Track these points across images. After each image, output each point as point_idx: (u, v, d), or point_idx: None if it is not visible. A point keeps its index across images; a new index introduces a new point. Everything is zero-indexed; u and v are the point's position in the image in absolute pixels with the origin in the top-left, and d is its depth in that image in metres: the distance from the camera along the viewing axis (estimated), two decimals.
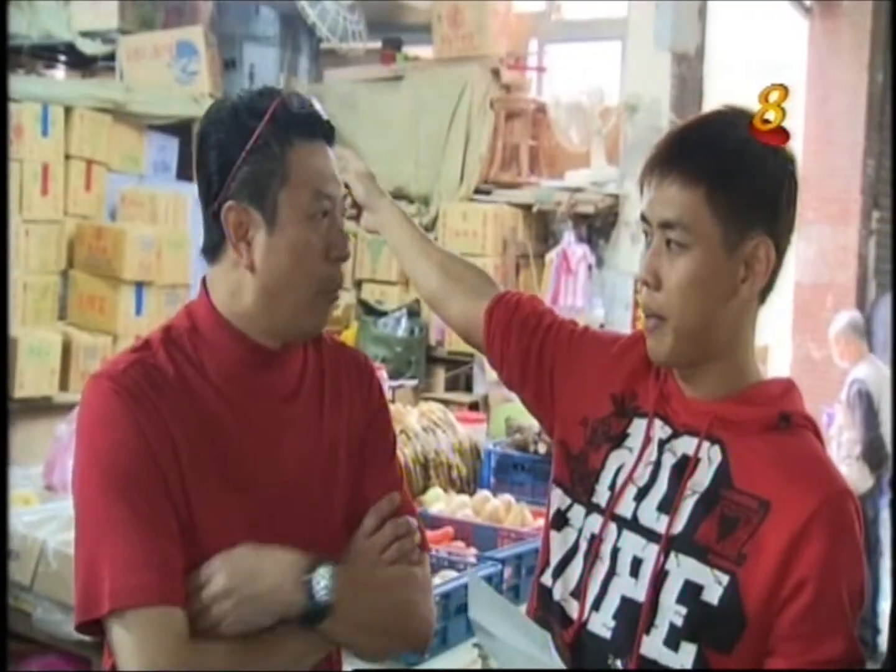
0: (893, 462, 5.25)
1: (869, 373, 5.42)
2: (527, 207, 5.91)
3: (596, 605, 1.31)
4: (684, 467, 1.30)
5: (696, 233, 1.25)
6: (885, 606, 5.30)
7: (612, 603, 1.30)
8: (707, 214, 1.25)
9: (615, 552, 1.32)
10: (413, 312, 5.92)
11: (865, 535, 4.77)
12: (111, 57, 5.99)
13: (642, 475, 1.33)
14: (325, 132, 1.33)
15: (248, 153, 1.27)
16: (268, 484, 1.32)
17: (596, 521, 1.35)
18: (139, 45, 5.93)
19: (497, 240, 5.79)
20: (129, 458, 1.23)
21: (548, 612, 1.35)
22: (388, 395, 3.98)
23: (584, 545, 1.35)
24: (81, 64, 6.27)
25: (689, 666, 1.23)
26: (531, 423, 3.38)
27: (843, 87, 6.45)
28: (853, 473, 5.38)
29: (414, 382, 5.49)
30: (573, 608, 1.33)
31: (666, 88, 5.58)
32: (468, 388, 5.86)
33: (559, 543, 1.38)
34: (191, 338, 1.32)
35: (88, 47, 5.96)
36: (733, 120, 1.29)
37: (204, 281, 1.37)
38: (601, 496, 1.35)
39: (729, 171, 1.25)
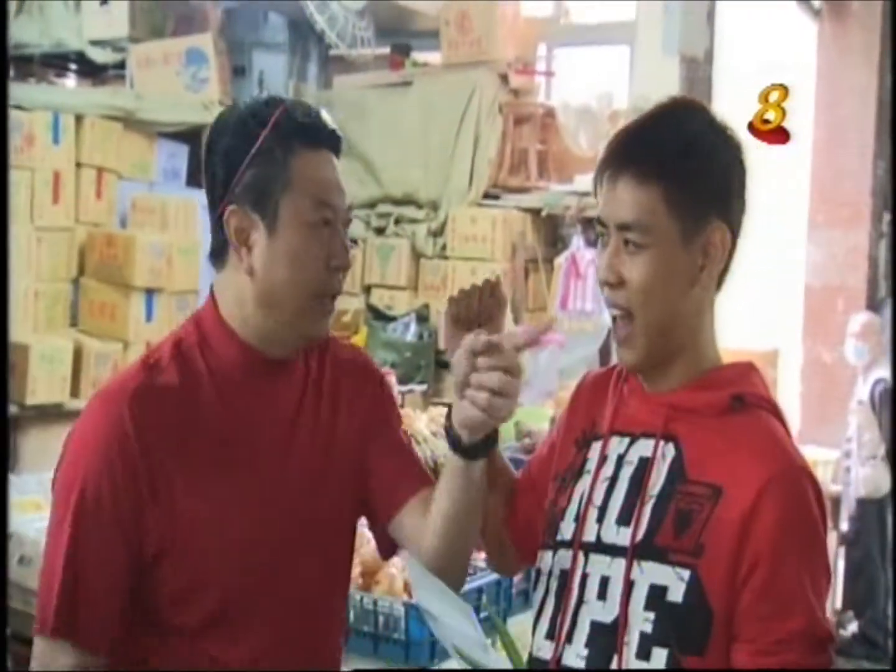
0: (893, 465, 5.23)
1: (891, 372, 5.39)
2: (536, 212, 5.91)
3: (569, 638, 1.28)
4: (641, 473, 1.28)
5: (654, 233, 1.26)
6: None
7: (582, 632, 1.28)
8: (664, 213, 1.25)
9: (583, 579, 1.30)
10: (422, 317, 5.93)
11: (885, 538, 4.69)
12: (121, 65, 6.02)
13: (599, 494, 1.32)
14: (330, 142, 1.34)
15: (251, 159, 1.29)
16: (276, 492, 1.33)
17: (565, 556, 1.33)
18: (149, 53, 5.95)
19: (506, 244, 5.79)
20: (98, 490, 1.25)
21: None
22: (397, 399, 3.99)
23: (554, 585, 1.33)
24: (92, 72, 6.30)
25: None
26: (541, 426, 3.39)
27: (852, 90, 6.43)
28: (877, 474, 5.34)
29: (423, 387, 5.50)
30: (548, 650, 1.30)
31: (674, 92, 5.53)
32: None
33: (536, 600, 1.37)
34: (201, 350, 1.33)
35: (99, 56, 5.99)
36: (683, 112, 1.31)
37: (212, 288, 1.38)
38: (567, 530, 1.34)
39: (682, 168, 1.26)
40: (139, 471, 1.25)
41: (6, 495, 2.38)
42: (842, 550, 5.51)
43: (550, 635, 1.31)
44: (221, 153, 1.32)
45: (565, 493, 1.38)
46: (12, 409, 4.24)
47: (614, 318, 1.32)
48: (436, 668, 2.27)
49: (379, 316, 5.93)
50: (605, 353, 5.54)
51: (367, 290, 6.17)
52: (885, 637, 5.30)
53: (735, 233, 1.31)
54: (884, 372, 5.41)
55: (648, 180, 1.25)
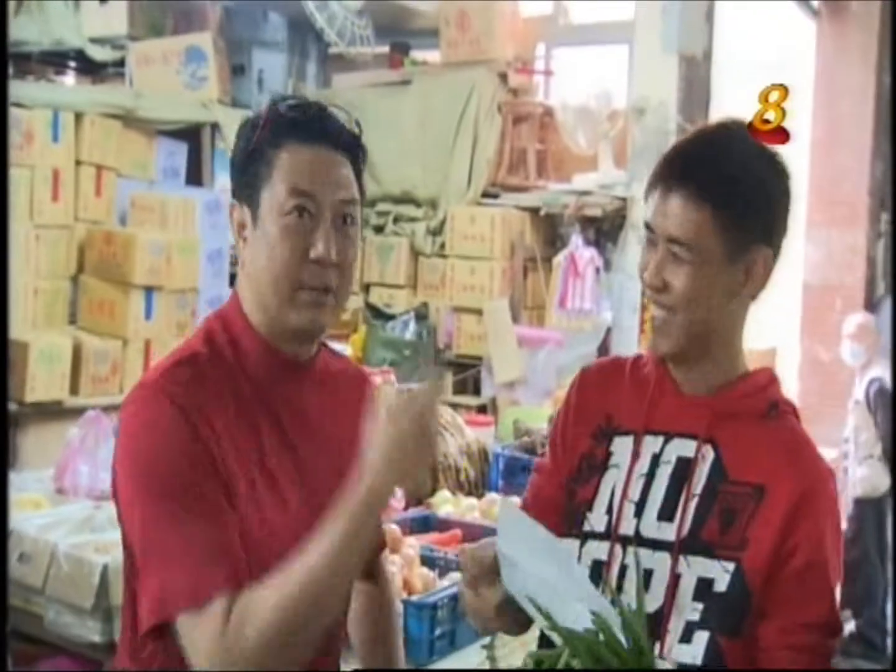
0: (893, 466, 5.23)
1: (886, 371, 5.40)
2: (534, 211, 5.92)
3: None
4: (680, 472, 1.36)
5: (701, 249, 1.32)
6: None
7: None
8: (711, 233, 1.31)
9: (622, 571, 1.35)
10: (421, 316, 5.94)
11: (883, 537, 4.71)
12: (121, 63, 6.02)
13: (635, 490, 1.38)
14: (326, 138, 1.34)
15: (247, 156, 1.34)
16: (309, 493, 1.36)
17: (597, 547, 1.38)
18: (148, 52, 5.96)
19: (505, 243, 5.80)
20: (177, 459, 1.24)
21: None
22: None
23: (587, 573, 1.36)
24: (91, 70, 6.30)
25: (700, 654, 1.30)
26: (539, 425, 3.39)
27: (850, 89, 6.44)
28: (874, 473, 5.35)
29: None
30: None
31: (673, 91, 5.57)
32: (476, 391, 5.87)
33: None
34: (232, 348, 1.35)
35: (98, 54, 5.99)
36: (736, 135, 1.34)
37: (235, 284, 1.42)
38: (597, 522, 1.39)
39: (732, 192, 1.31)
40: (203, 437, 1.26)
41: (6, 495, 2.39)
42: None
43: None
44: (233, 154, 1.38)
45: (587, 485, 1.42)
46: (11, 406, 4.24)
47: (653, 317, 1.38)
48: (434, 666, 2.27)
49: (378, 314, 5.94)
50: (603, 351, 5.55)
51: (366, 288, 6.18)
52: (883, 637, 5.31)
53: (775, 256, 1.37)
54: (879, 371, 5.42)
55: (699, 201, 1.30)
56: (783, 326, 6.56)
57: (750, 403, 1.38)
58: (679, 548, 1.33)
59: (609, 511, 1.38)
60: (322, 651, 1.38)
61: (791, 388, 6.44)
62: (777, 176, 1.36)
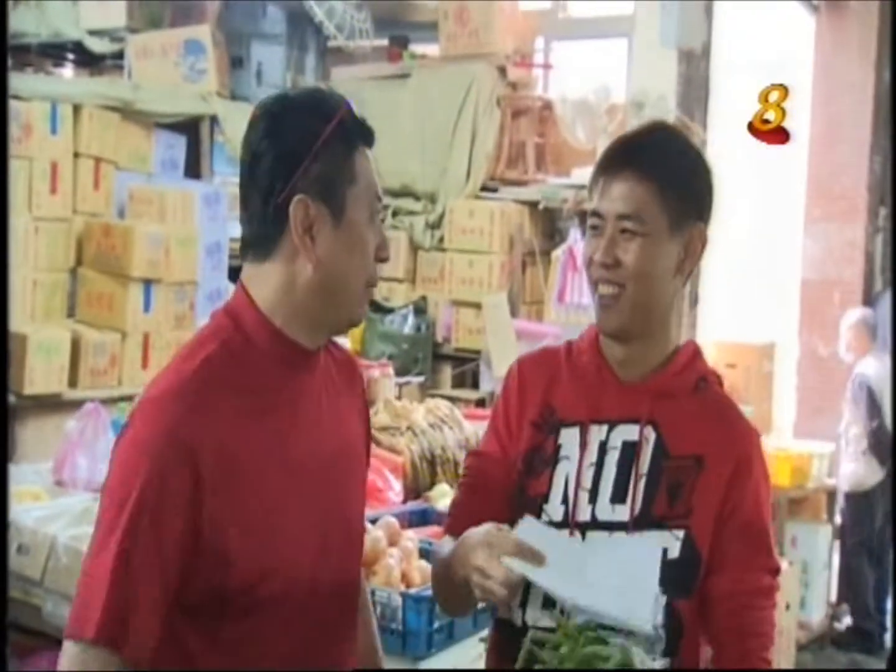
0: (893, 462, 5.25)
1: (875, 367, 5.43)
2: (533, 205, 5.92)
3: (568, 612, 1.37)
4: (627, 455, 1.46)
5: (648, 223, 1.44)
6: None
7: None
8: (657, 207, 1.44)
9: None
10: (419, 309, 5.94)
11: (872, 531, 4.73)
12: (119, 55, 6.02)
13: (587, 478, 1.46)
14: (372, 140, 1.41)
15: (317, 152, 1.32)
16: (325, 488, 1.39)
17: None
18: (147, 44, 5.95)
19: (504, 237, 5.80)
20: (155, 498, 1.24)
21: (516, 643, 1.38)
22: (394, 391, 4.01)
23: None
24: (90, 62, 6.29)
25: (660, 617, 1.38)
26: None
27: (849, 85, 6.44)
28: (861, 468, 5.37)
29: (420, 379, 5.51)
30: (548, 619, 1.39)
31: (672, 86, 5.58)
32: (475, 384, 5.87)
33: None
34: (247, 349, 1.35)
35: (97, 46, 5.99)
36: (672, 133, 1.55)
37: (241, 281, 1.39)
38: (554, 512, 1.47)
39: (675, 172, 1.46)
40: (199, 476, 1.26)
41: (5, 487, 2.39)
42: (836, 544, 5.55)
43: (546, 605, 1.40)
44: (278, 145, 1.33)
45: (540, 478, 1.49)
46: (10, 398, 4.24)
47: (601, 295, 1.47)
48: (433, 658, 2.28)
49: (377, 308, 5.94)
50: None
51: None
52: (878, 627, 5.34)
53: (706, 238, 1.50)
54: (864, 367, 5.45)
55: (645, 178, 1.43)
56: (782, 321, 6.57)
57: (681, 381, 1.50)
58: (633, 526, 1.42)
59: (565, 501, 1.46)
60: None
61: (789, 382, 6.46)
62: (705, 166, 1.51)
